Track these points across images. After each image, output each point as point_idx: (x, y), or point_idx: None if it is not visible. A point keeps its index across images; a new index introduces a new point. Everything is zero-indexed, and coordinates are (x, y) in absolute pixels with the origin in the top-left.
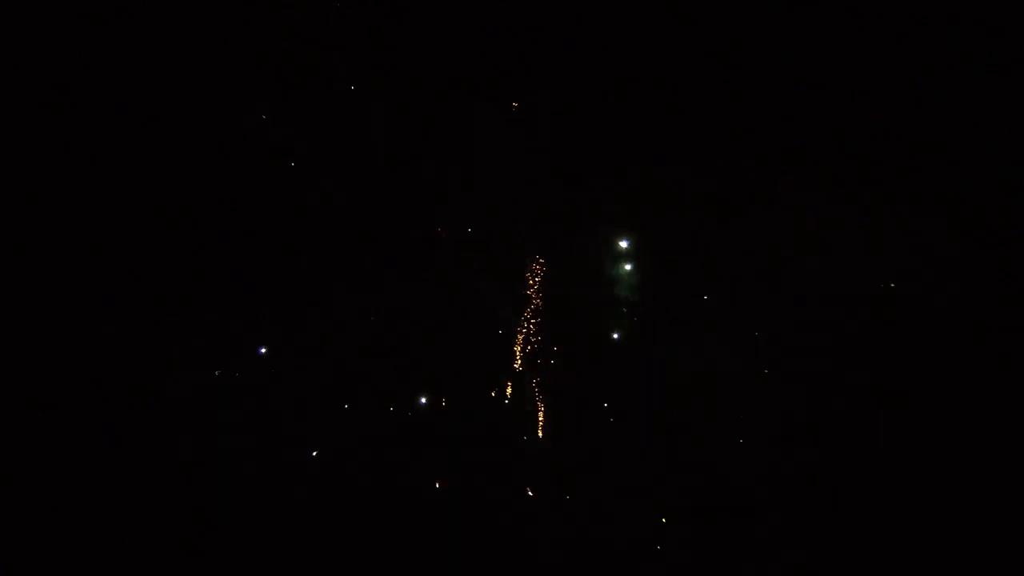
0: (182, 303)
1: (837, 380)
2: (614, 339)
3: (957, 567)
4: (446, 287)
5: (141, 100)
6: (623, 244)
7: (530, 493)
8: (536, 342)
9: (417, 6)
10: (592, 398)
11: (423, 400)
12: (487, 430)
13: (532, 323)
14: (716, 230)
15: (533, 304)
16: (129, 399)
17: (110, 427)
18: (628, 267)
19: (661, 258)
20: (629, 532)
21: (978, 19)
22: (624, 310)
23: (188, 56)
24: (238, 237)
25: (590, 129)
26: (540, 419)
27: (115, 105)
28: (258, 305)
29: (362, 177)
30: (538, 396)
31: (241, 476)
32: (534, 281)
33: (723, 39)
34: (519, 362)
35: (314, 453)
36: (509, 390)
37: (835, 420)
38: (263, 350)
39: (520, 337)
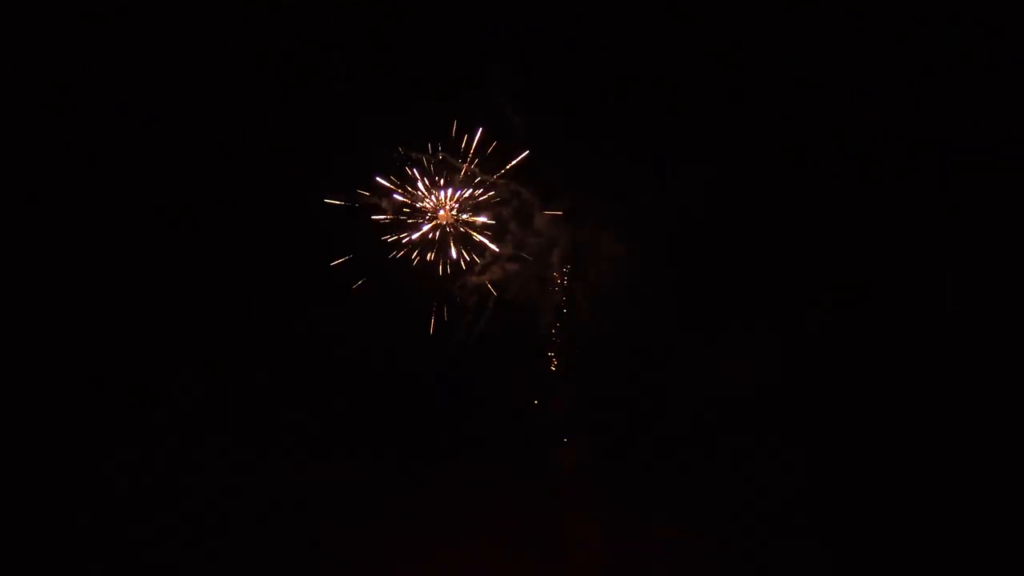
0: (183, 303)
1: (850, 381)
2: (646, 343)
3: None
4: (478, 293)
5: (141, 100)
6: (650, 249)
7: (566, 494)
8: (571, 347)
9: (417, 6)
10: (626, 401)
11: (460, 403)
12: (523, 433)
13: (567, 329)
14: (742, 234)
15: (568, 310)
16: (129, 399)
17: (109, 427)
18: (657, 272)
19: (688, 263)
20: (661, 532)
21: (978, 19)
22: (655, 314)
23: (188, 56)
24: (238, 237)
25: (608, 132)
26: (575, 422)
27: (115, 105)
28: (267, 306)
29: (371, 178)
30: (574, 400)
31: (251, 478)
32: (568, 287)
33: (731, 39)
34: (555, 365)
35: (338, 453)
36: (545, 394)
37: (849, 421)
38: (278, 352)
39: (555, 342)
